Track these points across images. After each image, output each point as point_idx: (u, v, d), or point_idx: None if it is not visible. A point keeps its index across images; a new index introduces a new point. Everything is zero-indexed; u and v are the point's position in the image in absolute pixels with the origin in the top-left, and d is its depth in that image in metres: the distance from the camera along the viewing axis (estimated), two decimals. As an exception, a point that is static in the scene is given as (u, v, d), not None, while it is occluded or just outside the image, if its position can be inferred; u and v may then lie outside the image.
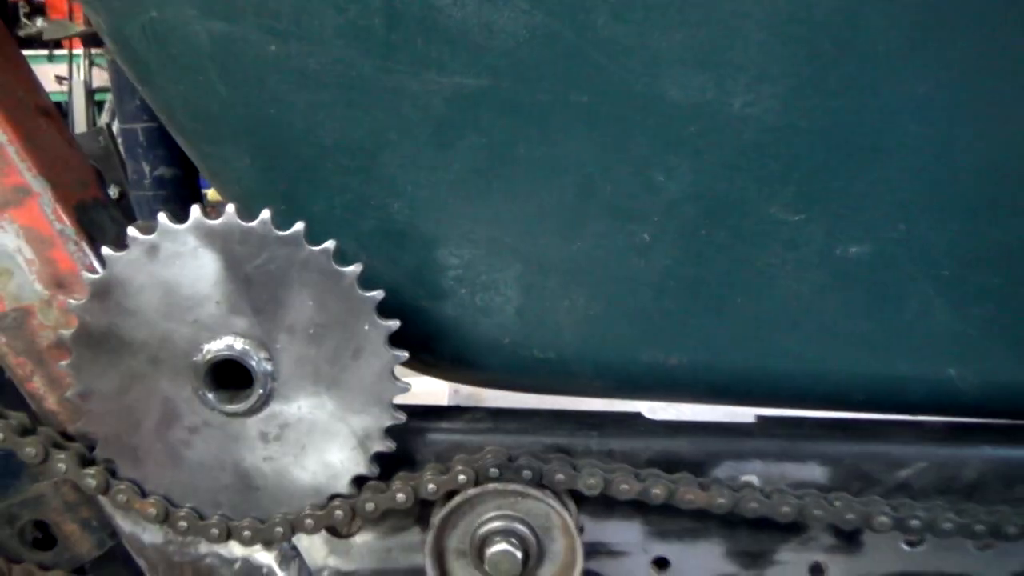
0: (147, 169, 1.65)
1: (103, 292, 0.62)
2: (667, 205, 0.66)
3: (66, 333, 0.63)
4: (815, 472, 0.70)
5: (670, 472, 0.68)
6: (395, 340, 0.65)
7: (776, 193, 0.65)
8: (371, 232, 0.68)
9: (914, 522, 0.66)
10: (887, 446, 0.70)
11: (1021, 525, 0.66)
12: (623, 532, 0.71)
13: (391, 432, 0.66)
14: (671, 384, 0.74)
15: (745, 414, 0.76)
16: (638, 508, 0.71)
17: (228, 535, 0.67)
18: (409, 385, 0.65)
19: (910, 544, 0.72)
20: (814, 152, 0.63)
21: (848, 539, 0.71)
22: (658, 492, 0.66)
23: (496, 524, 0.67)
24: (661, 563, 0.72)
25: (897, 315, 0.68)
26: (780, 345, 0.70)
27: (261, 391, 0.63)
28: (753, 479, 0.70)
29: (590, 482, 0.65)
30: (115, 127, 1.78)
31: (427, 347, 0.71)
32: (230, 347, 0.63)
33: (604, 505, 0.70)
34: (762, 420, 0.74)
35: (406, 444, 0.70)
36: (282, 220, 0.62)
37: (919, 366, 0.69)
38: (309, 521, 0.66)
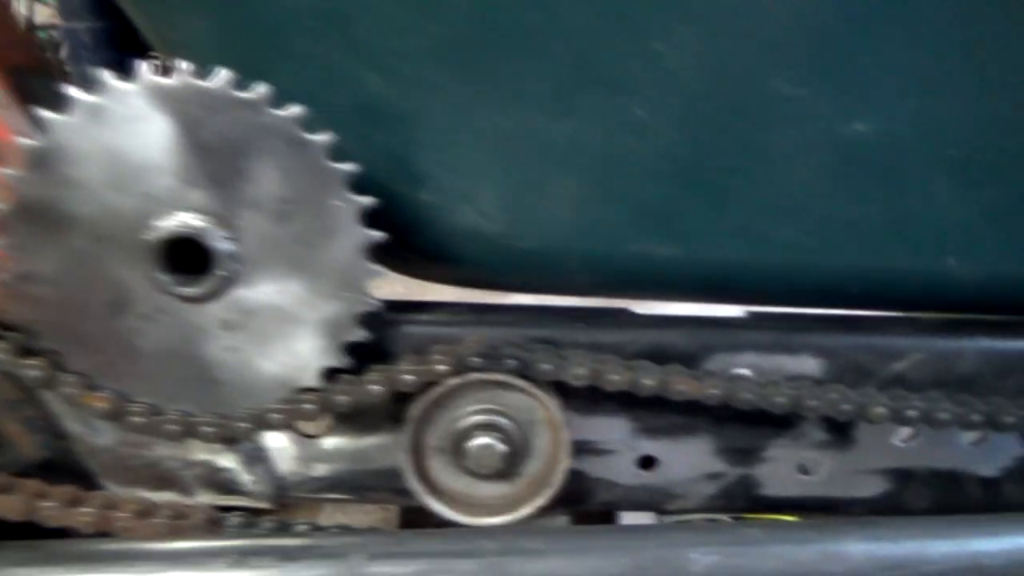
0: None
1: (42, 161, 0.55)
2: (664, 77, 0.62)
3: (1, 208, 0.56)
4: (809, 364, 0.67)
5: (660, 364, 0.64)
6: (369, 224, 0.60)
7: (780, 64, 0.61)
8: (343, 106, 0.63)
9: (910, 412, 0.64)
10: (882, 338, 0.68)
11: (1016, 415, 0.65)
12: (609, 429, 0.68)
13: (364, 320, 0.61)
14: (662, 279, 0.70)
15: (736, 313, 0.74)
16: (625, 404, 0.67)
17: (187, 433, 0.62)
18: (383, 269, 0.60)
19: (899, 441, 0.70)
20: (819, 16, 0.59)
21: (840, 434, 0.69)
22: (649, 383, 0.62)
23: (478, 418, 0.63)
24: (647, 462, 0.69)
25: (900, 202, 0.65)
26: (778, 236, 0.66)
27: (222, 273, 0.58)
28: (746, 372, 0.67)
29: (578, 372, 0.61)
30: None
31: (402, 238, 0.67)
32: (186, 224, 0.57)
33: (590, 400, 0.66)
34: (755, 314, 0.71)
35: (382, 336, 0.65)
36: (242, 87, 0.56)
37: (919, 257, 0.67)
38: (276, 416, 0.62)
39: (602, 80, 0.62)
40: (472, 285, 0.74)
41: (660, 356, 0.66)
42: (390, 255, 0.70)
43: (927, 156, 0.63)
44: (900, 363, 0.68)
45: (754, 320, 0.69)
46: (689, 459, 0.69)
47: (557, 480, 0.64)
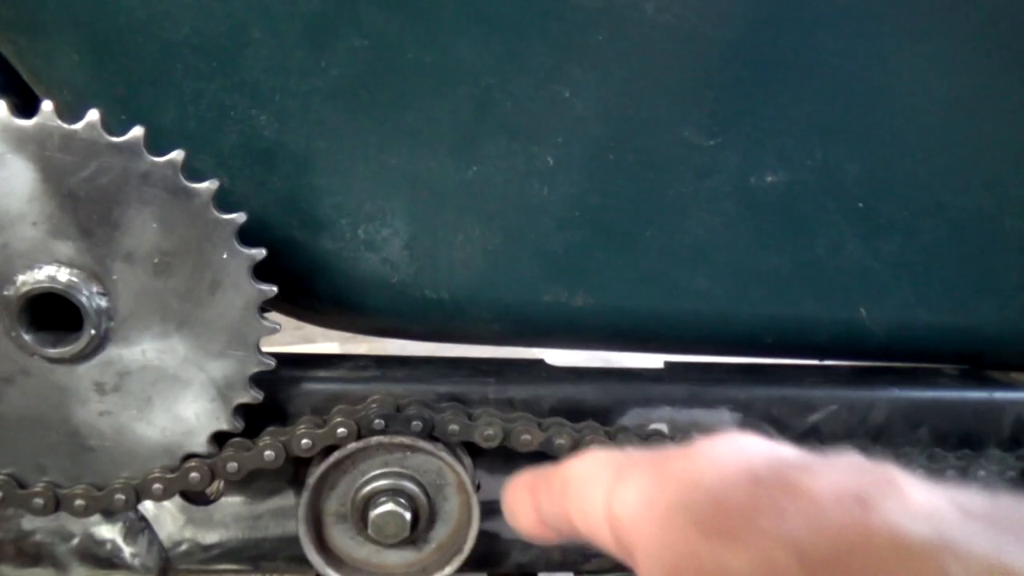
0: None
1: None
2: (572, 124, 0.60)
3: None
4: (725, 417, 0.66)
5: (575, 421, 0.62)
6: (262, 275, 0.56)
7: (690, 113, 0.60)
8: (232, 149, 0.58)
9: (824, 466, 0.63)
10: (797, 390, 0.67)
11: (925, 466, 0.65)
12: (521, 487, 0.65)
13: (258, 380, 0.57)
14: (576, 327, 0.68)
15: (655, 361, 0.72)
16: (540, 461, 0.64)
17: (56, 506, 0.56)
18: (278, 325, 0.56)
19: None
20: (731, 67, 0.58)
21: (756, 487, 0.68)
22: (562, 442, 0.60)
23: (381, 483, 0.59)
24: (564, 520, 0.66)
25: (810, 251, 0.64)
26: (690, 284, 0.65)
27: (93, 332, 0.52)
28: (662, 426, 0.65)
29: (487, 432, 0.58)
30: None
31: (302, 286, 0.62)
32: (51, 278, 0.51)
33: (503, 459, 0.63)
34: (671, 365, 0.69)
35: (277, 395, 0.61)
36: (120, 128, 0.52)
37: (831, 306, 0.66)
38: (158, 486, 0.56)
39: (507, 125, 0.59)
40: (380, 334, 0.70)
41: (574, 412, 0.64)
42: (294, 304, 0.66)
43: (835, 206, 0.63)
44: (814, 415, 0.67)
45: (669, 373, 0.68)
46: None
47: (468, 545, 0.60)
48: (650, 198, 0.63)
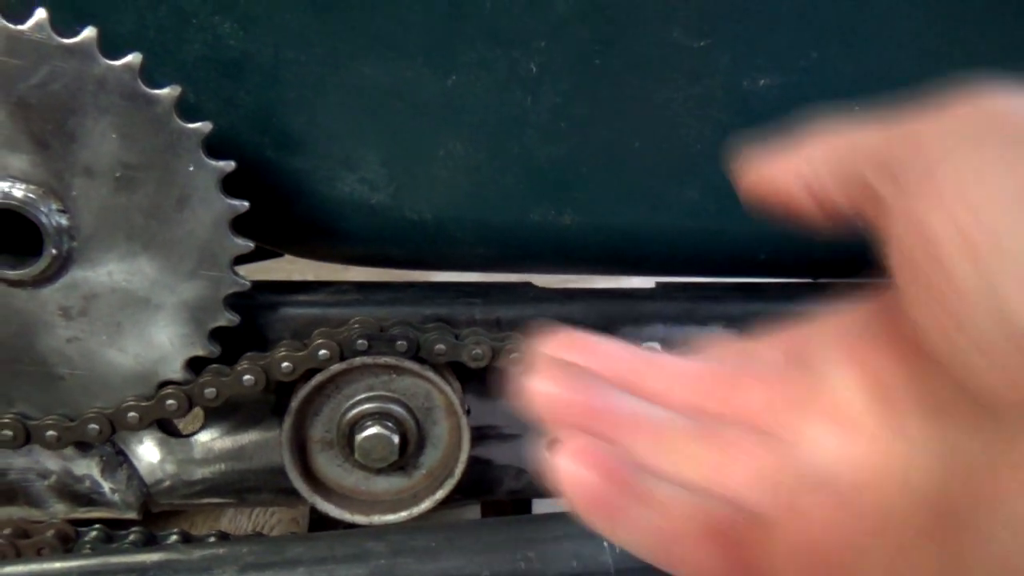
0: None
1: None
2: (555, 26, 0.57)
3: None
4: (719, 335, 0.64)
5: (565, 340, 0.60)
6: (233, 191, 0.53)
7: (678, 12, 0.57)
8: (196, 60, 0.55)
9: (821, 380, 0.62)
10: (790, 305, 0.65)
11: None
12: (514, 412, 0.63)
13: (233, 302, 0.54)
14: (564, 249, 0.66)
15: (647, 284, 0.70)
16: (530, 384, 0.63)
17: (27, 438, 0.54)
18: (252, 244, 0.54)
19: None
20: (723, -41, 0.55)
21: (752, 406, 0.67)
22: (552, 361, 0.58)
23: (367, 406, 0.57)
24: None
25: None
26: (680, 199, 0.63)
27: (55, 252, 0.50)
28: (655, 344, 0.63)
29: (475, 352, 0.56)
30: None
31: (276, 209, 0.60)
32: (5, 195, 0.48)
33: (492, 381, 0.62)
34: (663, 285, 0.67)
35: (256, 321, 0.58)
36: (72, 31, 0.48)
37: (825, 219, 0.65)
38: (133, 415, 0.54)
39: (485, 29, 0.56)
40: (359, 262, 0.68)
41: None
42: (264, 231, 0.64)
43: (829, 110, 0.61)
44: (810, 330, 0.66)
45: (661, 291, 0.66)
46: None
47: (458, 469, 0.59)
48: (638, 106, 0.60)
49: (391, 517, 0.58)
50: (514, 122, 0.59)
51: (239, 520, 1.00)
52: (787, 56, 0.58)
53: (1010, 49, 0.59)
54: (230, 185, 0.53)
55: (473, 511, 0.83)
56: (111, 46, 0.49)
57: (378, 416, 0.57)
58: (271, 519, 1.15)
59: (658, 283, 0.68)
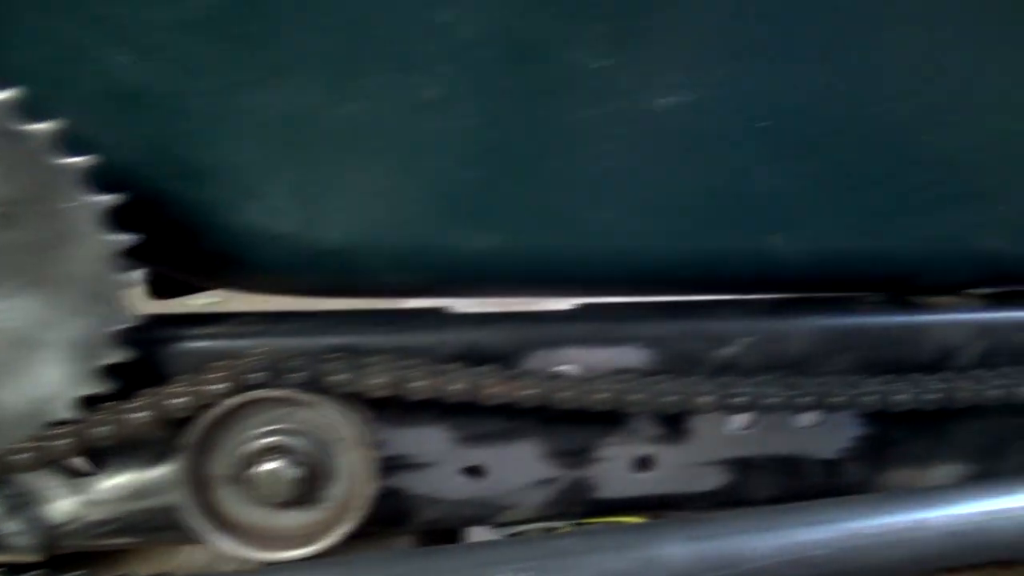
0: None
1: None
2: (458, 50, 0.56)
3: None
4: (635, 356, 0.63)
5: (476, 366, 0.59)
6: (131, 227, 0.52)
7: (580, 34, 0.56)
8: (92, 92, 0.54)
9: (739, 399, 0.61)
10: (710, 323, 0.64)
11: (846, 394, 0.63)
12: (428, 440, 0.62)
13: (124, 338, 0.53)
14: (479, 272, 0.65)
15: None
16: (443, 412, 0.62)
17: (-87, 483, 0.53)
18: (139, 278, 0.53)
19: (737, 428, 0.67)
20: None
21: (673, 427, 0.66)
22: (459, 387, 0.57)
23: (266, 440, 0.55)
24: (473, 472, 0.63)
25: (717, 178, 0.61)
26: (596, 219, 0.62)
27: (-70, 292, 0.49)
28: (569, 368, 0.62)
29: (376, 381, 0.55)
30: None
31: (181, 241, 0.59)
32: None
33: (403, 411, 0.60)
34: (582, 306, 0.66)
35: (154, 356, 0.57)
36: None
37: (744, 236, 0.64)
38: (24, 456, 0.53)
39: (387, 55, 0.56)
40: (273, 292, 0.67)
41: (476, 357, 0.61)
42: (174, 262, 0.63)
43: (741, 130, 0.60)
44: (730, 348, 0.64)
45: (576, 312, 0.65)
46: (518, 466, 0.64)
47: (364, 503, 0.57)
48: (545, 128, 0.59)
49: (295, 553, 0.56)
50: (421, 146, 0.59)
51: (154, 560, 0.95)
52: (695, 74, 0.57)
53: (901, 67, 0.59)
54: (127, 218, 0.52)
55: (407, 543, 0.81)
56: (2, 80, 0.48)
57: (278, 450, 0.55)
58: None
59: (577, 304, 0.68)
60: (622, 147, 0.60)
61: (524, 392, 0.58)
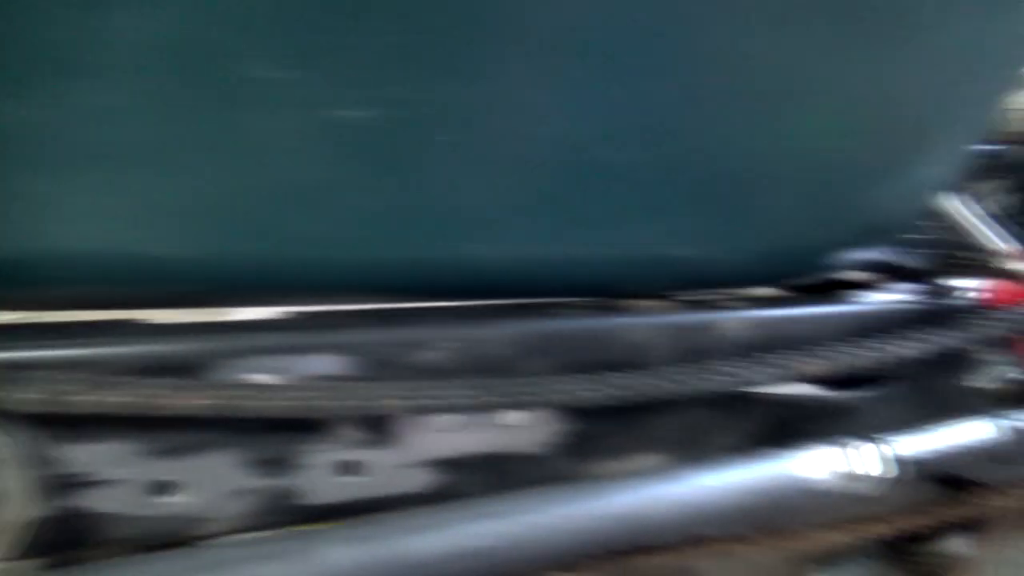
0: None
1: None
2: (126, 58, 0.54)
3: None
4: (333, 363, 0.64)
5: (155, 377, 0.58)
6: None
7: (257, 44, 0.56)
8: None
9: (431, 402, 0.63)
10: (410, 329, 0.66)
11: (535, 393, 0.66)
12: (109, 456, 0.60)
13: None
14: (173, 284, 0.63)
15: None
16: (128, 425, 0.60)
17: None
18: None
19: (444, 429, 0.70)
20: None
21: (378, 430, 0.67)
22: (131, 400, 0.55)
23: (-99, 465, 0.52)
24: (163, 488, 0.62)
25: (413, 188, 0.63)
26: (292, 228, 0.62)
27: None
28: (262, 377, 0.62)
29: (27, 397, 0.53)
30: None
31: None
32: None
33: (80, 426, 0.58)
34: (281, 315, 0.67)
35: None
36: None
37: (450, 245, 0.66)
38: None
39: (53, 60, 0.53)
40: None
41: (156, 368, 0.59)
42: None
43: (433, 142, 0.62)
44: (429, 352, 0.67)
45: (275, 322, 0.65)
46: (214, 478, 0.63)
47: (27, 524, 0.54)
48: (233, 138, 0.59)
49: (-58, 584, 0.53)
50: (106, 156, 0.56)
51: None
52: (384, 88, 0.58)
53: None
54: None
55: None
56: None
57: (-87, 475, 0.51)
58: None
59: (281, 312, 0.68)
60: (314, 158, 0.60)
61: (203, 403, 0.57)
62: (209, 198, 0.60)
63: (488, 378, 0.67)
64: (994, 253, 0.80)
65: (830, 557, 1.16)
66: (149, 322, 0.62)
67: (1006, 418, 0.82)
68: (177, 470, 0.62)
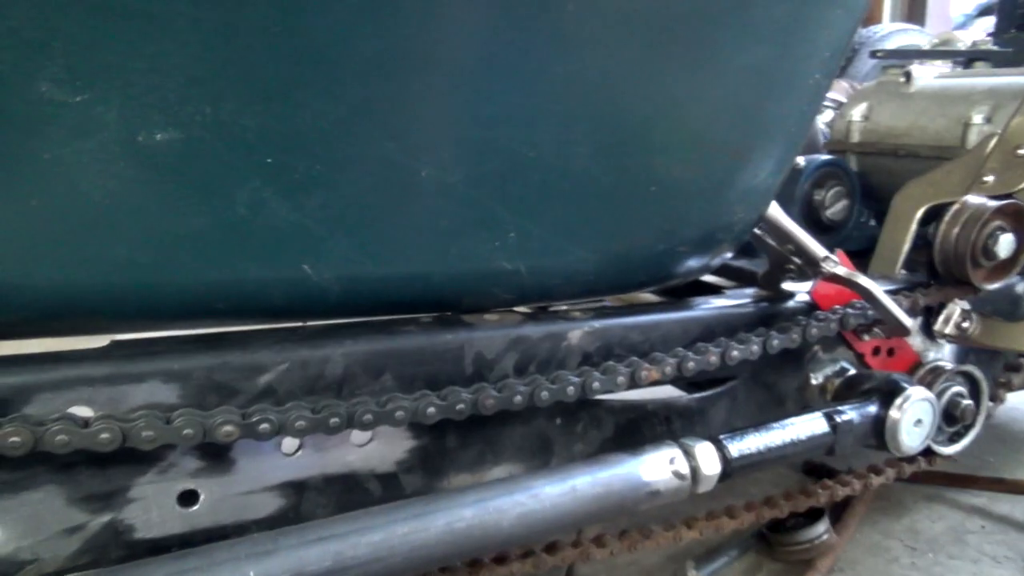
0: None
1: None
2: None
3: None
4: (162, 391, 0.63)
5: (-42, 416, 0.55)
6: None
7: (43, 65, 0.55)
8: None
9: (264, 426, 0.63)
10: (243, 354, 0.66)
11: (374, 412, 0.67)
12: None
13: None
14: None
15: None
16: (-67, 468, 0.57)
17: None
18: None
19: (287, 453, 0.70)
20: (72, 11, 0.54)
21: (216, 458, 0.66)
22: (-69, 442, 0.53)
23: None
24: (-21, 529, 0.59)
25: (231, 211, 0.62)
26: (109, 254, 0.60)
27: None
28: (83, 410, 0.60)
29: None
30: None
31: None
32: None
33: None
34: (114, 343, 0.65)
35: None
36: None
37: (273, 266, 0.66)
38: None
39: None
40: None
41: (-32, 406, 0.57)
42: None
43: (243, 163, 0.62)
44: (265, 376, 0.66)
45: (99, 351, 0.63)
46: (36, 517, 0.61)
47: None
48: (39, 164, 0.57)
49: None
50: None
51: None
52: (179, 110, 0.58)
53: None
54: None
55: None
56: None
57: None
58: None
59: (112, 341, 0.66)
60: (118, 182, 0.59)
61: (11, 440, 0.55)
62: (17, 225, 0.58)
63: (329, 398, 0.67)
64: (816, 257, 0.85)
65: (707, 553, 1.21)
66: (-42, 359, 0.60)
67: (841, 410, 0.87)
68: (-7, 510, 0.59)
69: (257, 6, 0.57)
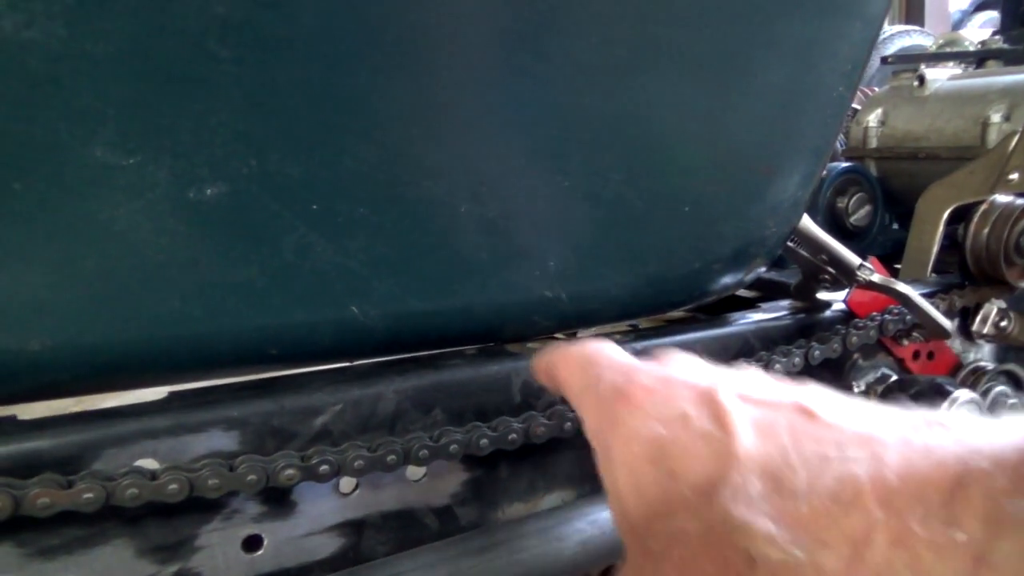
0: None
1: None
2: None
3: None
4: (222, 439, 0.64)
5: (28, 477, 0.56)
6: None
7: (96, 131, 0.57)
8: None
9: (323, 467, 0.64)
10: (298, 397, 0.67)
11: (429, 447, 0.68)
12: (-11, 563, 0.58)
13: None
14: (45, 376, 0.62)
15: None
16: (5, 529, 0.58)
17: None
18: None
19: (344, 493, 0.70)
20: (129, 80, 0.56)
21: (276, 503, 0.67)
22: (7, 503, 0.54)
23: None
24: (53, 587, 0.60)
25: (279, 258, 0.64)
26: (163, 309, 0.62)
27: None
28: (149, 462, 0.61)
29: None
30: None
31: None
32: None
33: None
34: (170, 395, 0.66)
35: None
36: None
37: (322, 309, 0.67)
38: None
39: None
40: None
41: (35, 466, 0.58)
42: None
43: (288, 211, 0.63)
44: (320, 418, 0.67)
45: (157, 404, 0.64)
46: (108, 571, 0.62)
47: (-101, 648, 0.52)
48: (80, 225, 0.59)
49: None
50: None
51: None
52: (225, 165, 0.60)
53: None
54: None
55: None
56: None
57: None
58: None
59: (170, 393, 0.67)
60: (171, 238, 0.60)
61: (83, 497, 0.56)
62: (78, 286, 0.60)
63: (383, 436, 0.68)
64: (851, 266, 0.86)
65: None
66: (19, 418, 0.61)
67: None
68: (64, 570, 0.60)
69: (297, 65, 0.59)
